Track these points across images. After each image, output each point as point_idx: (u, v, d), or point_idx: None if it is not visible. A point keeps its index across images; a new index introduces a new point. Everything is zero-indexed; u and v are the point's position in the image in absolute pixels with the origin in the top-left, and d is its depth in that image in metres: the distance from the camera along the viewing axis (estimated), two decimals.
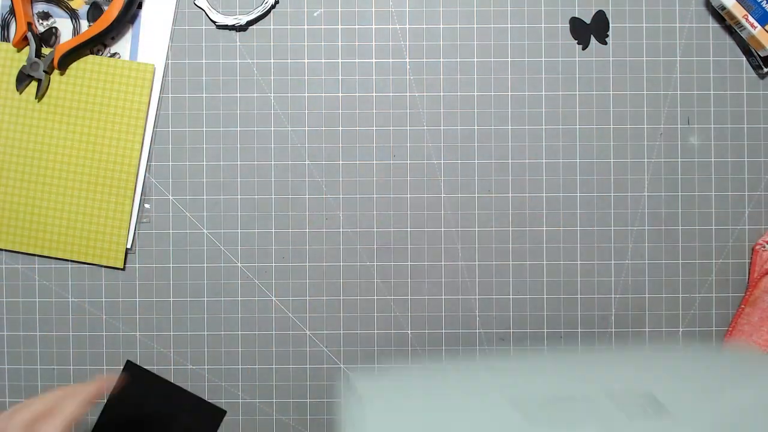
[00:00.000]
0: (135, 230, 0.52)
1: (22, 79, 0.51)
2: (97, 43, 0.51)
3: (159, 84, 0.52)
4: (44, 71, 0.50)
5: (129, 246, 0.52)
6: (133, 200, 0.51)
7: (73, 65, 0.51)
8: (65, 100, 0.51)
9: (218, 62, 0.52)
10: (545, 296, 0.52)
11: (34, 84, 0.51)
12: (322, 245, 0.52)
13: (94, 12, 0.51)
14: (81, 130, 0.51)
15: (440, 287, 0.52)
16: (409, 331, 0.52)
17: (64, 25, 0.52)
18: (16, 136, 0.51)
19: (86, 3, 0.51)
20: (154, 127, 0.52)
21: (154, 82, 0.51)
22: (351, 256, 0.52)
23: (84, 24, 0.51)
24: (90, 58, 0.51)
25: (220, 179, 0.52)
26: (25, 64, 0.50)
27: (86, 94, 0.51)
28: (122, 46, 0.51)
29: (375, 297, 0.52)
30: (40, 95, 0.51)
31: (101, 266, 0.52)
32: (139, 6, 0.51)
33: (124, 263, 0.52)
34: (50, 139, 0.51)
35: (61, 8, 0.51)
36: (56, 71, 0.51)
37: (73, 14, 0.51)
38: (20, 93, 0.51)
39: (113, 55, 0.51)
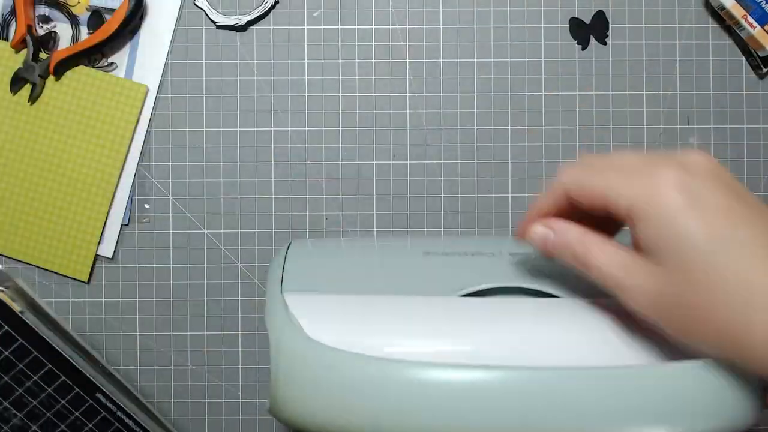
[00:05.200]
0: (117, 244, 0.52)
1: (17, 81, 0.50)
2: (96, 52, 0.51)
3: (152, 102, 0.51)
4: (39, 75, 0.50)
5: (111, 256, 0.52)
6: (107, 216, 0.51)
7: (67, 74, 0.51)
8: (55, 108, 0.51)
9: (218, 62, 0.52)
10: None
11: (27, 87, 0.51)
12: None
13: (95, 20, 0.51)
14: (65, 140, 0.51)
15: None
16: None
17: (63, 31, 0.51)
18: (7, 138, 0.51)
19: (87, 10, 0.51)
20: (144, 143, 0.51)
21: (147, 101, 0.51)
22: None
23: (84, 31, 0.51)
24: (85, 69, 0.51)
25: (220, 179, 0.52)
26: (21, 66, 0.50)
27: (76, 105, 0.51)
28: (120, 56, 0.51)
29: None
30: (32, 99, 0.51)
31: (67, 276, 0.52)
32: (141, 17, 0.51)
33: (90, 277, 0.52)
34: (35, 144, 0.51)
35: (63, 13, 0.51)
36: (51, 77, 0.51)
37: (74, 20, 0.51)
38: (13, 95, 0.51)
39: (110, 64, 0.51)
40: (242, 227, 0.52)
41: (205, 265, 0.52)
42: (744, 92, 0.52)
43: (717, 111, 0.52)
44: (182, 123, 0.52)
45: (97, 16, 0.51)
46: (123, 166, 0.51)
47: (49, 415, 0.37)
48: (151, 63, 0.51)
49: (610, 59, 0.52)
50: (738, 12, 0.50)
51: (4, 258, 0.52)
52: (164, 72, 0.52)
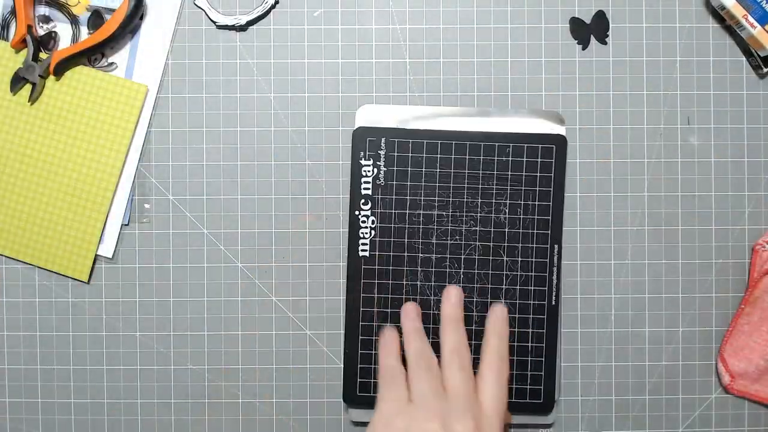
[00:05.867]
0: (117, 244, 0.52)
1: (17, 81, 0.50)
2: (96, 52, 0.51)
3: (152, 102, 0.52)
4: (39, 75, 0.50)
5: (111, 256, 0.52)
6: (107, 216, 0.51)
7: (68, 74, 0.51)
8: (55, 108, 0.51)
9: (218, 62, 0.52)
10: None
11: (28, 87, 0.51)
12: (322, 245, 0.52)
13: (95, 20, 0.51)
14: (66, 140, 0.51)
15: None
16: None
17: (63, 30, 0.51)
18: (7, 138, 0.51)
19: (87, 10, 0.51)
20: (144, 143, 0.51)
21: (147, 101, 0.51)
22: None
23: (84, 31, 0.51)
24: (85, 69, 0.51)
25: (220, 179, 0.52)
26: (21, 66, 0.50)
27: (76, 105, 0.51)
28: (121, 56, 0.51)
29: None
30: (33, 99, 0.51)
31: (67, 276, 0.52)
32: (141, 17, 0.51)
33: (90, 277, 0.52)
34: (35, 144, 0.51)
35: (63, 13, 0.51)
36: (51, 77, 0.51)
37: (74, 20, 0.51)
38: (13, 95, 0.51)
39: (110, 64, 0.51)
40: (242, 227, 0.52)
41: (205, 265, 0.52)
42: (744, 92, 0.52)
43: (717, 111, 0.52)
44: (182, 123, 0.52)
45: (97, 16, 0.51)
46: (123, 166, 0.51)
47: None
48: (151, 63, 0.52)
49: (611, 59, 0.52)
50: (738, 12, 0.50)
51: (4, 258, 0.52)
52: (164, 72, 0.52)
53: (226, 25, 0.51)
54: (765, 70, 0.51)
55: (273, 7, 0.52)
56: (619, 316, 0.52)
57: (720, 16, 0.52)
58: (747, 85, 0.52)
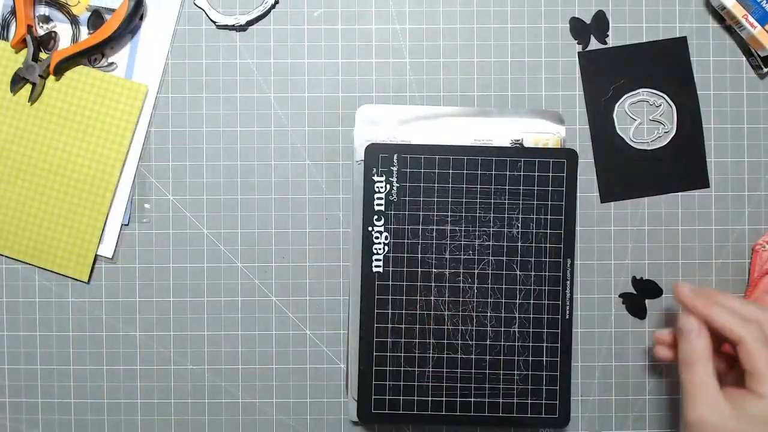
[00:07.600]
0: (117, 244, 0.52)
1: (17, 81, 0.50)
2: (96, 52, 0.51)
3: (152, 102, 0.51)
4: (39, 75, 0.50)
5: (111, 256, 0.52)
6: (107, 216, 0.51)
7: (68, 74, 0.51)
8: (55, 108, 0.51)
9: (218, 62, 0.52)
10: None
11: (28, 87, 0.51)
12: (322, 245, 0.52)
13: (95, 20, 0.51)
14: (66, 140, 0.51)
15: None
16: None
17: (63, 31, 0.51)
18: (7, 138, 0.51)
19: (87, 10, 0.51)
20: (144, 143, 0.51)
21: (147, 101, 0.51)
22: (351, 255, 0.52)
23: (84, 31, 0.51)
24: (85, 69, 0.51)
25: (220, 179, 0.52)
26: (21, 66, 0.50)
27: (76, 105, 0.51)
28: (120, 57, 0.51)
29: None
30: (33, 99, 0.51)
31: (67, 276, 0.52)
32: (141, 17, 0.51)
33: (90, 277, 0.52)
34: (35, 144, 0.51)
35: (63, 13, 0.51)
36: (51, 77, 0.51)
37: (74, 20, 0.51)
38: (13, 95, 0.51)
39: (110, 64, 0.51)
40: (242, 227, 0.52)
41: (205, 265, 0.52)
42: (744, 92, 0.52)
43: (717, 111, 0.52)
44: (182, 123, 0.52)
45: (97, 16, 0.51)
46: (123, 166, 0.51)
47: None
48: (151, 63, 0.52)
49: None
50: (739, 12, 0.50)
51: (4, 258, 0.52)
52: (164, 72, 0.52)
53: (226, 25, 0.51)
54: (765, 70, 0.51)
55: (273, 7, 0.52)
56: (619, 316, 0.52)
57: (720, 16, 0.52)
58: (747, 85, 0.52)
